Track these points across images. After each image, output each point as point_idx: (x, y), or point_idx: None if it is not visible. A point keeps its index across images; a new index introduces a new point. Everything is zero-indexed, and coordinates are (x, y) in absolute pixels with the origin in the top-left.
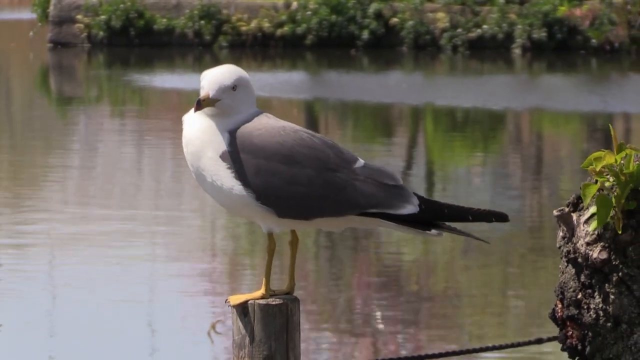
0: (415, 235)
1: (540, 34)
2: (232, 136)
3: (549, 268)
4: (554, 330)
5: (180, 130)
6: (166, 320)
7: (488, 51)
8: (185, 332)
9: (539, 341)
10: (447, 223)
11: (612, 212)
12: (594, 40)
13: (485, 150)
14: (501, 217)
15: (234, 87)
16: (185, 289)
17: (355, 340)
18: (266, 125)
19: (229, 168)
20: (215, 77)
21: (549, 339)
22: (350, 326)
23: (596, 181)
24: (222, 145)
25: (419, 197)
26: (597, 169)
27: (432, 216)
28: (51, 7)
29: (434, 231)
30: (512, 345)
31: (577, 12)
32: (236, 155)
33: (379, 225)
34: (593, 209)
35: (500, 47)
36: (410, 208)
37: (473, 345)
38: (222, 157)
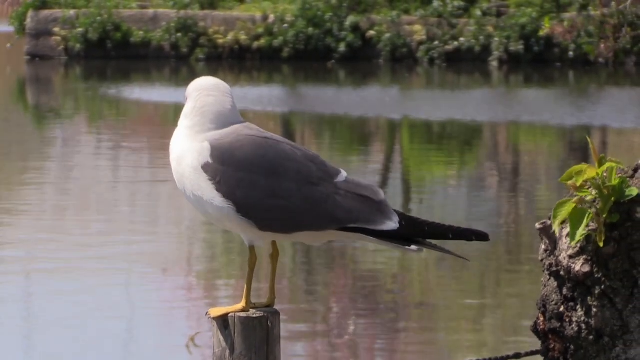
0: (394, 250)
1: (517, 46)
2: (212, 147)
3: (529, 281)
4: (535, 344)
5: (158, 144)
6: (145, 333)
7: (465, 64)
8: (164, 344)
9: (517, 356)
10: (428, 240)
11: (594, 225)
12: (572, 53)
13: (462, 164)
14: (481, 237)
15: (185, 98)
16: (164, 302)
17: (335, 353)
18: (248, 137)
19: (209, 179)
20: None
21: (527, 354)
22: (330, 339)
23: (574, 195)
24: (203, 156)
25: (400, 214)
26: (578, 183)
27: (412, 233)
28: (28, 20)
29: (413, 247)
30: None
31: (559, 29)
32: (217, 166)
33: (359, 239)
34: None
35: (477, 59)
36: (390, 224)
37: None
38: (204, 167)
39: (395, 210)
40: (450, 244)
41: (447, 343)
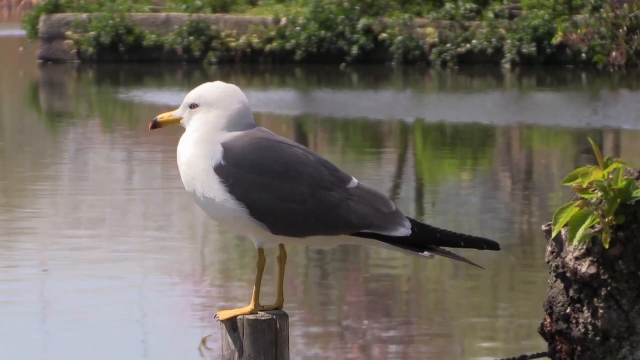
0: (407, 256)
1: (529, 48)
2: (225, 150)
3: (537, 283)
4: (543, 346)
5: (170, 147)
6: (157, 335)
7: (478, 66)
8: (177, 347)
9: (524, 358)
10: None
11: (599, 227)
12: (584, 56)
13: (475, 166)
14: (493, 246)
15: (192, 106)
16: (176, 304)
17: (345, 356)
18: (261, 140)
19: (222, 182)
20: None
21: (534, 356)
22: (340, 342)
23: (577, 199)
24: (215, 159)
25: (412, 221)
26: (584, 185)
27: (425, 240)
28: (41, 24)
29: (426, 253)
30: None
31: (574, 36)
32: (230, 169)
33: (371, 244)
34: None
35: (489, 62)
36: (403, 231)
37: None
38: (216, 170)
39: (407, 217)
40: (462, 251)
41: (458, 344)
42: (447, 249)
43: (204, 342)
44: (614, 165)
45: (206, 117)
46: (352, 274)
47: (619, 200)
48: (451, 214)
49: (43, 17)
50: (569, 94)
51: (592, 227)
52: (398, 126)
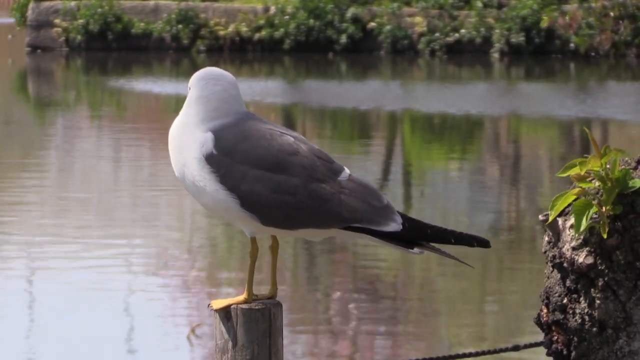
0: (397, 251)
1: (518, 38)
2: (216, 137)
3: (530, 273)
4: (537, 336)
5: (158, 135)
6: (146, 324)
7: (466, 55)
8: (165, 335)
9: (516, 348)
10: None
11: (596, 216)
12: (573, 45)
13: (463, 156)
14: (483, 243)
15: (189, 88)
16: (165, 293)
17: (335, 345)
18: (252, 129)
19: (213, 171)
20: None
21: (526, 346)
22: (331, 331)
23: (575, 187)
24: (206, 147)
25: (403, 216)
26: (582, 172)
27: (415, 236)
28: (29, 11)
29: (416, 249)
30: (490, 352)
31: (560, 21)
32: (222, 158)
33: (362, 238)
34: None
35: (478, 51)
36: (394, 226)
37: (450, 352)
38: (207, 159)
39: (398, 212)
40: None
41: (448, 335)
42: (437, 245)
43: (192, 330)
44: (612, 154)
45: (194, 100)
46: (342, 262)
47: (616, 190)
48: (439, 204)
49: (31, 5)
50: (557, 83)
51: (591, 215)
52: (386, 115)
